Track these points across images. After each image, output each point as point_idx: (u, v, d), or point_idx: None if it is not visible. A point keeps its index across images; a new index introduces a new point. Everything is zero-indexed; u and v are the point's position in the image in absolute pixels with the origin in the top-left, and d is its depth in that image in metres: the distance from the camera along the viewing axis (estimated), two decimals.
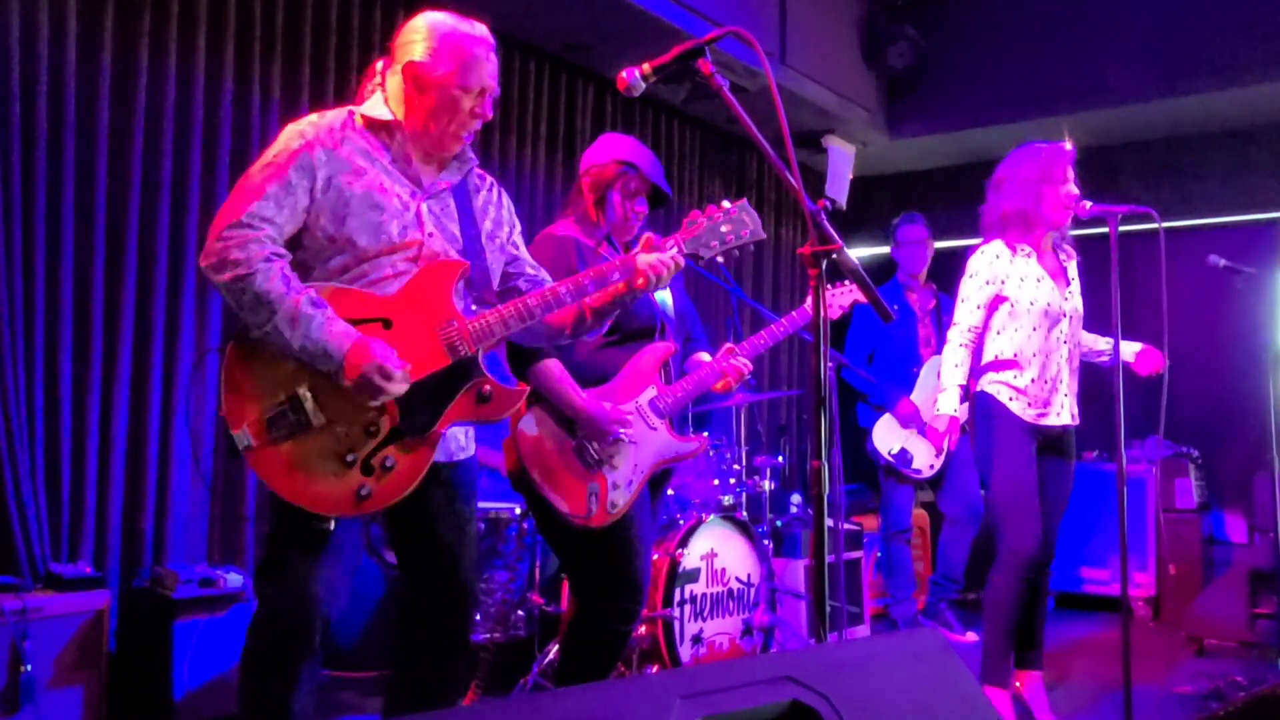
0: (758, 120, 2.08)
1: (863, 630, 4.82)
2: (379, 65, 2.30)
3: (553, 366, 2.71)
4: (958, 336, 3.53)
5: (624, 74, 2.10)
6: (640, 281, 2.24)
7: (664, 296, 2.93)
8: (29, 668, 2.96)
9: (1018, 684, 3.56)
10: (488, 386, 2.17)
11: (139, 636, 3.33)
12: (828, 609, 1.91)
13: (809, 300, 2.04)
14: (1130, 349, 3.67)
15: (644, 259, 2.23)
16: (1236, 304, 5.02)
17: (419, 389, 2.10)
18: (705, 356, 3.02)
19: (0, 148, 3.25)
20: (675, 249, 2.28)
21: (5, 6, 3.26)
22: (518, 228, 2.46)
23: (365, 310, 2.11)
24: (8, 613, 2.94)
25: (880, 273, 5.90)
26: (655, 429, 2.81)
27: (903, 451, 4.91)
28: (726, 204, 2.38)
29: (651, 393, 2.82)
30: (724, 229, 2.30)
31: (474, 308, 2.26)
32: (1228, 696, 3.78)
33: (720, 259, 2.34)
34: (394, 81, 2.25)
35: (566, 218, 2.92)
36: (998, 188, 3.57)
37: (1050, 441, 3.50)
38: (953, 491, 4.99)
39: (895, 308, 5.06)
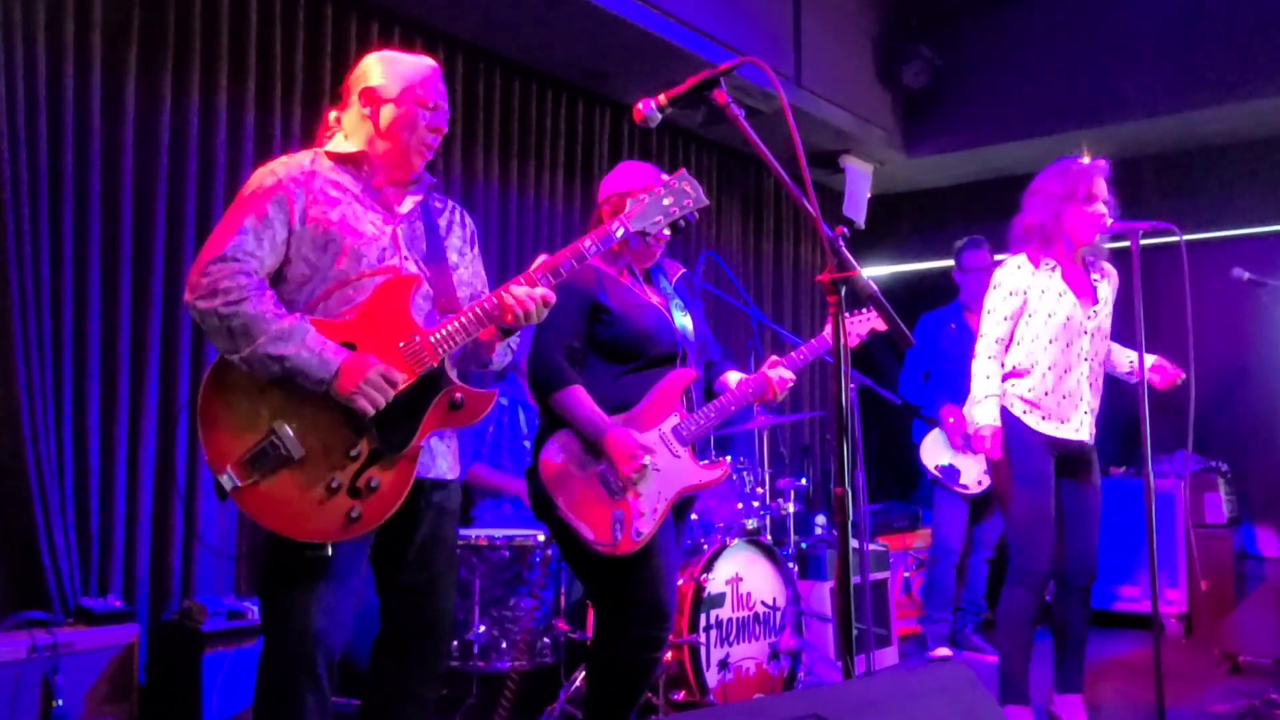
0: (774, 140, 2.08)
1: (890, 653, 4.78)
2: (332, 115, 2.36)
3: (577, 392, 2.70)
4: (985, 348, 3.53)
5: (640, 105, 2.10)
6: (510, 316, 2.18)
7: (685, 322, 2.91)
8: (60, 702, 2.98)
9: (1055, 710, 3.53)
10: (459, 394, 2.20)
11: (168, 669, 3.35)
12: (854, 634, 1.89)
13: (828, 327, 2.04)
14: (1147, 363, 3.65)
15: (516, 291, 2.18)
16: (1262, 316, 4.98)
17: (393, 406, 2.12)
18: (736, 375, 2.96)
19: (30, 189, 3.30)
20: (622, 230, 2.28)
21: (32, 45, 3.33)
22: (477, 251, 2.49)
23: (328, 337, 2.13)
24: (39, 647, 2.97)
25: (897, 294, 5.89)
26: (679, 456, 2.79)
27: (949, 466, 4.88)
28: (665, 176, 2.39)
29: (674, 420, 2.80)
30: (666, 202, 2.30)
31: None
32: (1264, 715, 3.72)
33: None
34: (350, 116, 2.32)
35: None
36: (1028, 200, 3.58)
37: (1070, 458, 3.48)
38: (985, 517, 4.96)
39: (953, 326, 5.03)
